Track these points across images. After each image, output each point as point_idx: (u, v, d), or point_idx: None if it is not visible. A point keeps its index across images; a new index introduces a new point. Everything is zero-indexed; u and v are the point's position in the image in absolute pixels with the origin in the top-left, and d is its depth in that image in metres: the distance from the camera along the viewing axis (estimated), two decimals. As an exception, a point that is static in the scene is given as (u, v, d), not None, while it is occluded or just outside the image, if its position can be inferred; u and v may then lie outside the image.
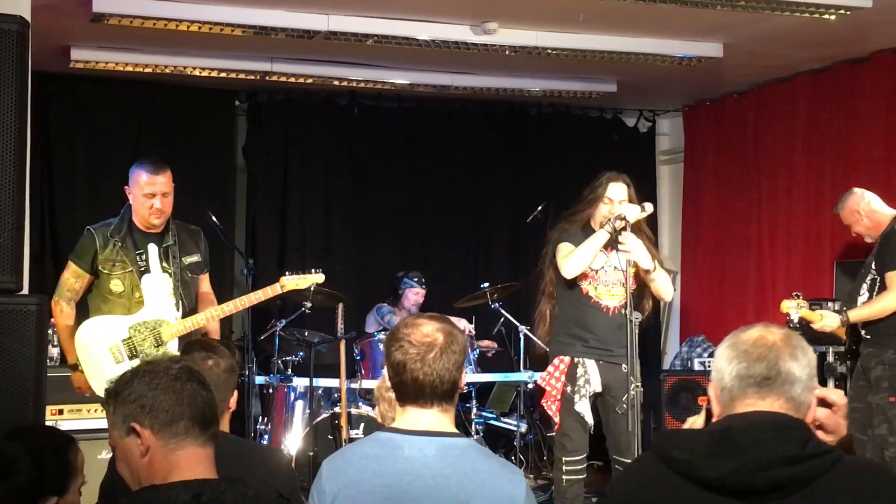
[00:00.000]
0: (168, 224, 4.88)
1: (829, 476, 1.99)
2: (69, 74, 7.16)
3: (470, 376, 6.49)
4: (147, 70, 7.04)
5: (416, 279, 7.50)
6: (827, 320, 5.62)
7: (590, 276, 5.22)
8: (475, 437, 6.55)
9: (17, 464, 2.56)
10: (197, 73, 7.14)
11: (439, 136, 8.43)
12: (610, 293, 5.23)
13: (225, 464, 2.68)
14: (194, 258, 4.95)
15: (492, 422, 7.01)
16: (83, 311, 4.89)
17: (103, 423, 5.65)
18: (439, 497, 2.43)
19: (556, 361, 5.23)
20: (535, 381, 5.40)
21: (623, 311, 5.06)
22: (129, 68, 6.99)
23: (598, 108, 8.76)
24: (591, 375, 5.17)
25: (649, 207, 5.19)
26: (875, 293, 5.60)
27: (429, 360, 2.50)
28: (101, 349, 4.73)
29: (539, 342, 5.85)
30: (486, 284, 6.92)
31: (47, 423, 3.08)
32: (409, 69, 7.43)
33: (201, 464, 2.15)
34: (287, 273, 5.07)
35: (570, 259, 5.14)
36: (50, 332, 5.28)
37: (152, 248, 4.81)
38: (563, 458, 5.15)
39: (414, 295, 7.48)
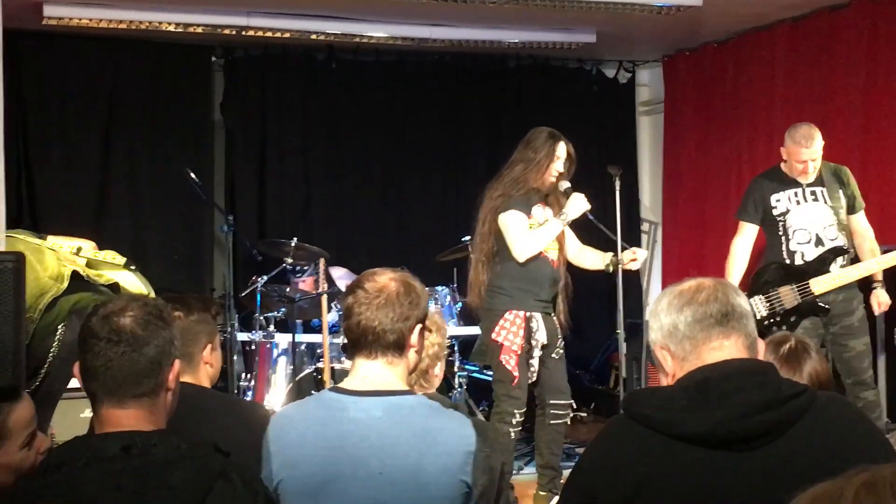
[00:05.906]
0: None
1: (809, 415, 2.01)
2: (42, 32, 7.03)
3: (452, 329, 6.50)
4: (121, 26, 6.95)
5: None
6: None
7: None
8: (458, 390, 6.57)
9: None
10: (172, 28, 7.05)
11: (418, 89, 8.37)
12: (552, 247, 5.31)
13: (207, 419, 2.69)
14: None
15: (475, 374, 7.03)
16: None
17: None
18: (387, 457, 2.37)
19: (508, 316, 5.17)
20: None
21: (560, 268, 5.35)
22: (104, 24, 6.89)
23: (577, 60, 8.71)
24: (539, 329, 5.23)
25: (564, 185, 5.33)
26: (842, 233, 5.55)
27: (374, 304, 2.46)
28: None
29: (468, 301, 5.60)
30: (467, 238, 6.90)
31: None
32: (387, 22, 7.37)
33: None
34: None
35: (527, 245, 5.17)
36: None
37: None
38: (516, 412, 5.13)
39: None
